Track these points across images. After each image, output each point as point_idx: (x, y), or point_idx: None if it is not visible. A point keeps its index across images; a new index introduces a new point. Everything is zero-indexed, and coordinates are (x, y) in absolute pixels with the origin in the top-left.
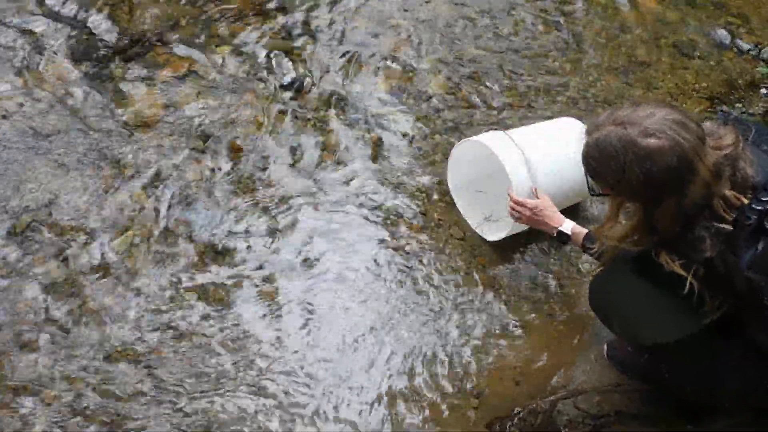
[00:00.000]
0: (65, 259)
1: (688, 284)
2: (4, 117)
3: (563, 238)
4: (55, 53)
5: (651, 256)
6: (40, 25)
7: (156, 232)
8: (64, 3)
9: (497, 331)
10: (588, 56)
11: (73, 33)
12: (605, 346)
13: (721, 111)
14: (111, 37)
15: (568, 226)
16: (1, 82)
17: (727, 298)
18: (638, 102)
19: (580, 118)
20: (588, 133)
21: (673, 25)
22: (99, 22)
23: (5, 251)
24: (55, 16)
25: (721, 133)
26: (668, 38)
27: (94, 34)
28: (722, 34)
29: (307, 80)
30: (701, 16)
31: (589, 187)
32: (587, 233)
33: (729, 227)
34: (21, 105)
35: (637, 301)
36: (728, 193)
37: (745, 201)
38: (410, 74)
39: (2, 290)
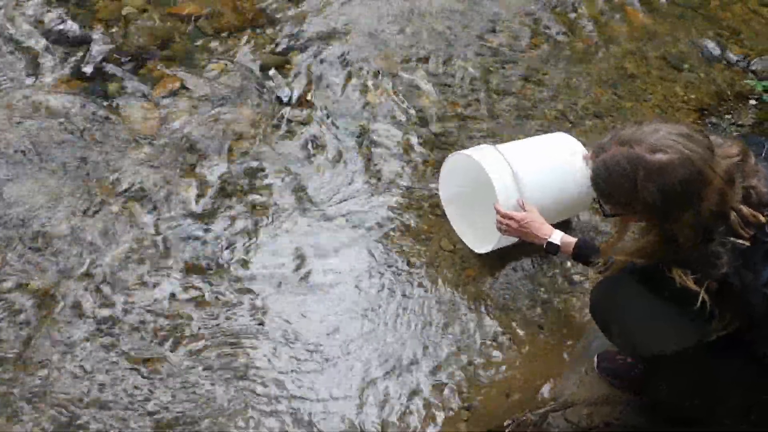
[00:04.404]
0: (59, 272)
1: (700, 299)
2: (0, 131)
3: (553, 248)
4: (51, 69)
5: (657, 268)
6: (37, 41)
7: (149, 246)
8: (61, 20)
9: (487, 343)
10: (577, 69)
11: (70, 50)
12: (595, 358)
13: (710, 123)
14: (106, 54)
15: (557, 236)
16: None
17: (738, 315)
18: (641, 120)
19: (570, 131)
20: (594, 155)
21: (662, 38)
22: (95, 39)
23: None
24: (51, 33)
25: (727, 144)
26: (657, 51)
27: (90, 50)
28: (711, 46)
29: (300, 94)
30: (690, 28)
31: (601, 210)
32: (578, 242)
33: (746, 243)
34: (18, 120)
35: (640, 312)
36: (745, 210)
37: (762, 219)
38: (401, 87)
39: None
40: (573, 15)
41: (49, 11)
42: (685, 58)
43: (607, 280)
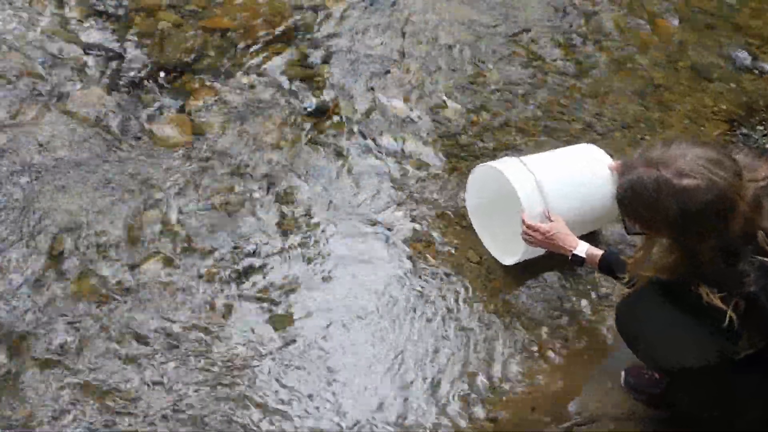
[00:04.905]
0: (100, 279)
1: (727, 318)
2: (40, 144)
3: (578, 260)
4: (90, 82)
5: (683, 284)
6: (76, 55)
7: (183, 253)
8: (99, 34)
9: (513, 355)
10: (604, 79)
11: (108, 62)
12: (622, 373)
13: (741, 134)
14: (143, 66)
15: (582, 248)
16: (38, 109)
17: (761, 333)
18: (670, 141)
19: (597, 143)
20: (621, 172)
21: (690, 47)
22: (132, 52)
23: (43, 272)
24: (90, 46)
25: (755, 166)
26: (686, 60)
27: (127, 63)
28: (742, 55)
29: (327, 106)
30: (719, 37)
31: (625, 227)
32: (604, 255)
33: None
34: (57, 132)
35: (665, 327)
36: None
37: None
38: (427, 99)
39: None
40: (600, 25)
41: (87, 26)
42: (714, 67)
43: (633, 294)
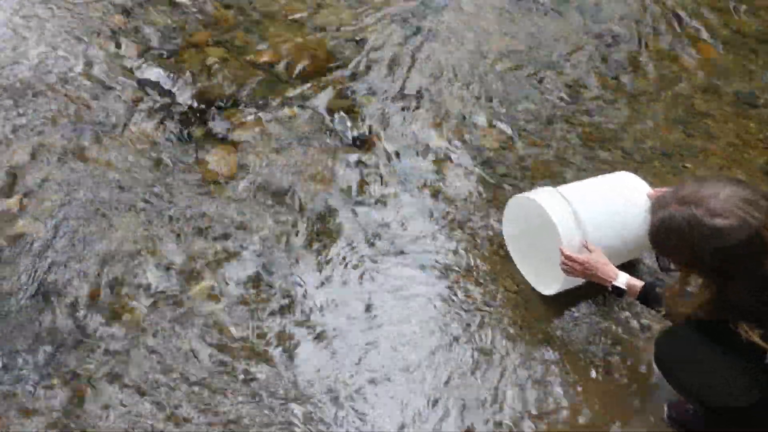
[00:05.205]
0: (150, 307)
1: None
2: (95, 174)
3: (618, 292)
4: (142, 115)
5: (722, 320)
6: (130, 89)
7: (228, 281)
8: (152, 70)
9: (551, 388)
10: (645, 107)
11: (159, 97)
12: (665, 407)
13: None
14: (192, 100)
15: (622, 279)
16: (93, 142)
17: None
18: (703, 178)
19: (636, 171)
20: (653, 211)
21: (734, 73)
22: (181, 86)
23: (93, 299)
24: (143, 81)
25: None
26: (729, 87)
27: (176, 97)
28: None
29: (367, 136)
30: (765, 62)
31: (658, 264)
32: (644, 287)
33: None
34: (111, 162)
35: (707, 364)
36: None
37: None
38: (466, 128)
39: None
40: (640, 50)
41: (141, 62)
42: (759, 94)
43: (672, 329)
